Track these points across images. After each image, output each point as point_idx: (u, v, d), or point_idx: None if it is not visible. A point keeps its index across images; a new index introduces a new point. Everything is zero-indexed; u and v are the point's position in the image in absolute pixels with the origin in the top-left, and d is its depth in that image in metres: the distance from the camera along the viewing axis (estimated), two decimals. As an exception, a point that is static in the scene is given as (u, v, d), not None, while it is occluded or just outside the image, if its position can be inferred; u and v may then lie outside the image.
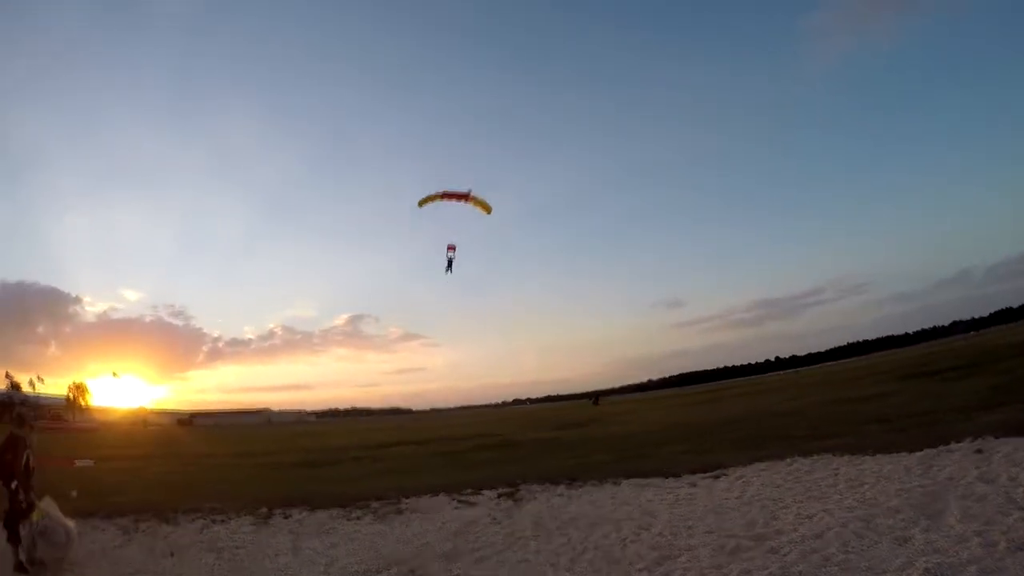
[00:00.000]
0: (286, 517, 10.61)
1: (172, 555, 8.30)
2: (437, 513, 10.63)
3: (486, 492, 12.10)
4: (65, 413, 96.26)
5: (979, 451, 9.12)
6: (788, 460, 11.62)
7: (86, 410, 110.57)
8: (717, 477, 11.25)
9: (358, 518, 10.46)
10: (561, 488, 11.93)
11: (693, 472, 11.91)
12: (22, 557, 7.36)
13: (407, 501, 11.57)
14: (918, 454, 9.87)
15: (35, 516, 7.54)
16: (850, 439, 12.78)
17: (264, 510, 11.05)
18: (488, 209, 17.23)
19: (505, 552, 7.84)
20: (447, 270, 17.41)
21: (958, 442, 9.98)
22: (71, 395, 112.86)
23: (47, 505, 7.80)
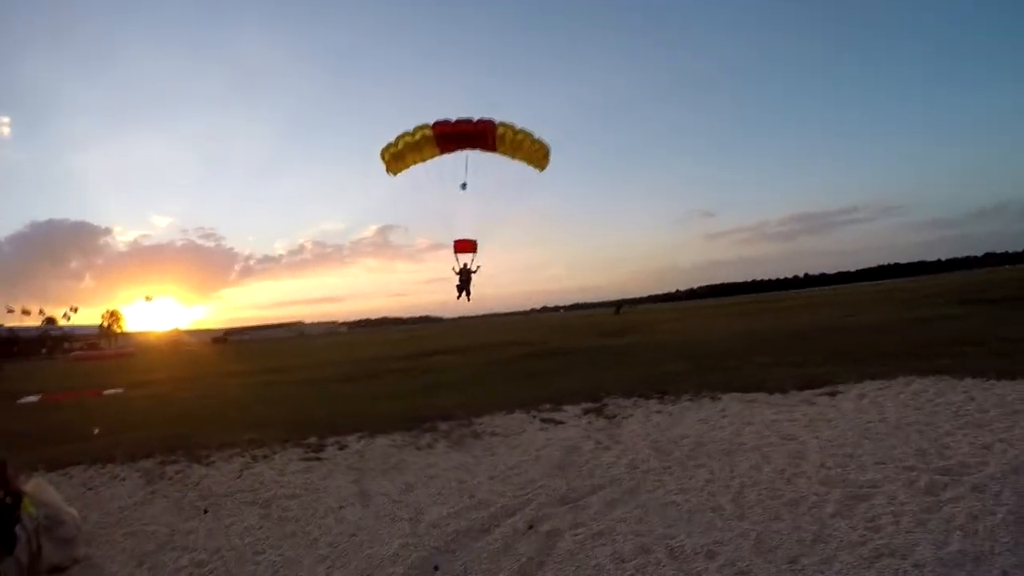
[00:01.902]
0: (341, 448, 8.71)
1: (205, 512, 6.42)
2: (521, 435, 8.80)
3: (568, 408, 10.37)
4: (100, 341, 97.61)
5: None
6: (904, 379, 10.25)
7: (121, 336, 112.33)
8: (833, 395, 9.73)
9: (429, 446, 8.58)
10: (654, 403, 10.27)
11: (800, 388, 10.38)
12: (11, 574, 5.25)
13: (480, 421, 9.73)
14: None
15: (27, 508, 5.37)
16: (953, 360, 11.46)
17: (313, 439, 9.18)
18: (542, 157, 10.31)
19: (639, 492, 6.00)
20: (460, 293, 11.08)
21: None
22: (105, 323, 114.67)
23: (38, 489, 5.67)
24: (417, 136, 9.71)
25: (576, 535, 5.06)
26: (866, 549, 4.37)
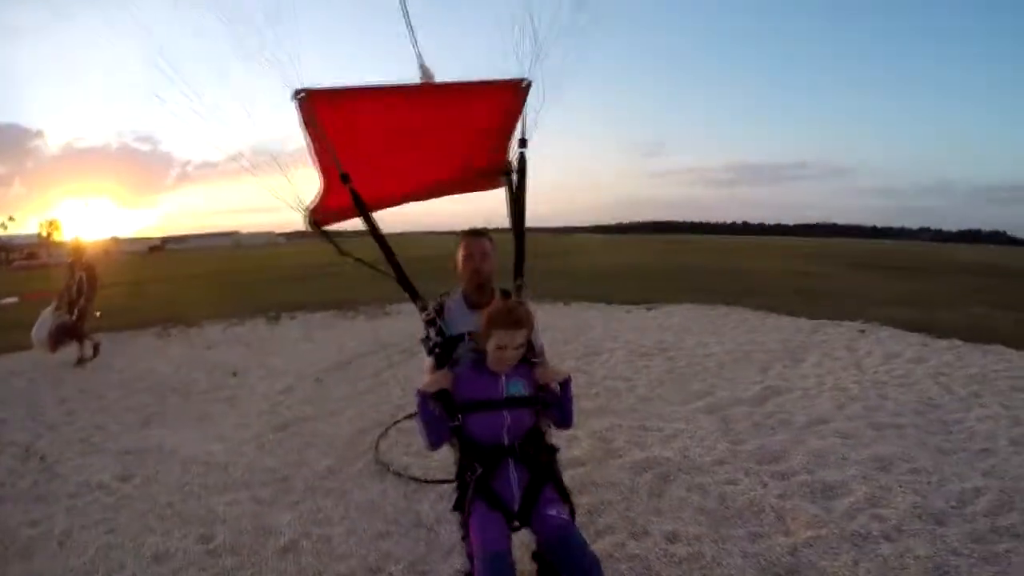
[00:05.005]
0: (292, 318, 12.97)
1: (209, 348, 10.42)
2: (416, 315, 12.89)
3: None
4: (38, 250, 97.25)
5: (861, 331, 10.64)
6: (711, 306, 13.62)
7: (59, 245, 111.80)
8: (648, 309, 13.40)
9: (352, 318, 12.84)
10: (523, 304, 14.34)
11: (631, 303, 14.11)
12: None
13: (392, 306, 13.80)
14: (814, 321, 11.62)
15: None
16: (773, 300, 14.46)
17: (273, 313, 13.36)
18: None
19: (476, 337, 10.14)
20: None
21: (851, 320, 11.57)
22: (43, 232, 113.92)
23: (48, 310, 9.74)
24: None
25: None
26: (580, 372, 8.13)
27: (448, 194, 4.08)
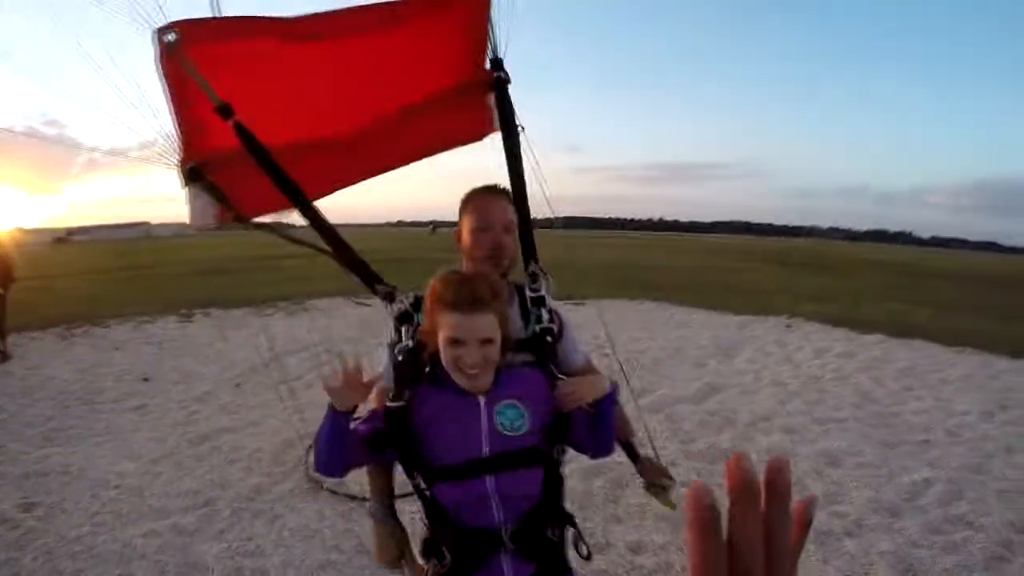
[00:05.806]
0: (206, 315, 12.21)
1: (117, 350, 9.64)
2: (338, 311, 12.47)
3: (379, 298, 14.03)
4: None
5: (788, 326, 11.15)
6: (637, 301, 14.03)
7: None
8: (577, 304, 13.44)
9: (270, 315, 12.22)
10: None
11: (557, 298, 14.07)
12: None
13: (310, 302, 13.27)
14: (740, 317, 12.06)
15: None
16: (696, 296, 14.90)
17: (185, 311, 12.52)
18: None
19: (400, 335, 9.85)
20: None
21: (776, 316, 12.04)
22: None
23: None
24: None
25: (355, 350, 8.77)
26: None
27: (402, 160, 2.60)
